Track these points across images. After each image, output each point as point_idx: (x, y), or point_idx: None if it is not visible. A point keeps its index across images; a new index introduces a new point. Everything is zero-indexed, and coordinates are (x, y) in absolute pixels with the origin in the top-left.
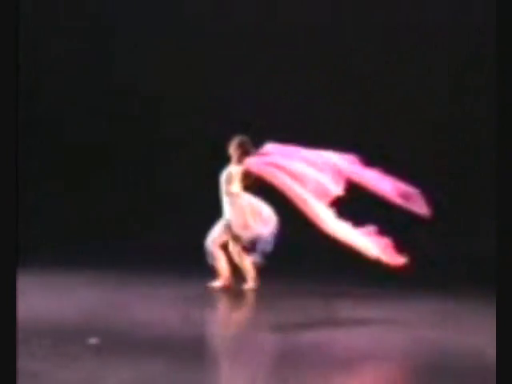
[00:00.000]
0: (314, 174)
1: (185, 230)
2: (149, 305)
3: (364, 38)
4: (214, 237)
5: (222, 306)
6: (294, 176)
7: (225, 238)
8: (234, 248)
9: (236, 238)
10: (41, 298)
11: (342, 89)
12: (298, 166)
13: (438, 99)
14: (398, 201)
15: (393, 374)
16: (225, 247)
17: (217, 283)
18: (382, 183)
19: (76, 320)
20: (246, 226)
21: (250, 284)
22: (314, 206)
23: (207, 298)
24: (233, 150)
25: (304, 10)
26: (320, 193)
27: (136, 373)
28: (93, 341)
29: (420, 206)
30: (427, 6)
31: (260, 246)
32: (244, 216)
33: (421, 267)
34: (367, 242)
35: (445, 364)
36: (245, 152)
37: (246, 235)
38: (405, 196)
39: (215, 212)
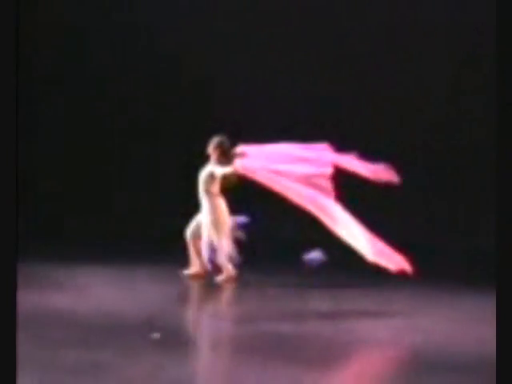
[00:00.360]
0: (304, 169)
1: None
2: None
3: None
4: (192, 230)
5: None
6: (290, 177)
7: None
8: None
9: (213, 233)
10: (105, 292)
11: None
12: (288, 167)
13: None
14: (370, 176)
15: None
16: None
17: (189, 271)
18: (353, 162)
19: (139, 314)
20: (223, 223)
21: (224, 276)
22: (321, 204)
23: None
24: (212, 149)
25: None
26: (318, 185)
27: (194, 368)
28: (155, 335)
29: (389, 176)
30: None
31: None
32: (222, 214)
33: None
34: (367, 243)
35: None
36: (223, 152)
37: (223, 231)
38: (375, 171)
39: None
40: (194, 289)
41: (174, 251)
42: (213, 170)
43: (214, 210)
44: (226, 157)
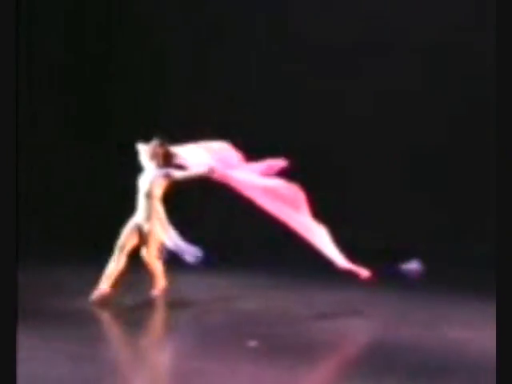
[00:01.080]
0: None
1: None
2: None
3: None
4: (124, 241)
5: None
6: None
7: (135, 241)
8: (147, 251)
9: (151, 241)
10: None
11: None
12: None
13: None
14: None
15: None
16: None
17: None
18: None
19: (236, 322)
20: (166, 230)
21: (158, 290)
22: (292, 212)
23: None
24: (156, 151)
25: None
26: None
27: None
28: (252, 343)
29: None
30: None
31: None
32: (163, 220)
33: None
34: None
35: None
36: (166, 154)
37: (166, 239)
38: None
39: None
40: None
41: None
42: (168, 172)
43: (155, 214)
44: (167, 159)
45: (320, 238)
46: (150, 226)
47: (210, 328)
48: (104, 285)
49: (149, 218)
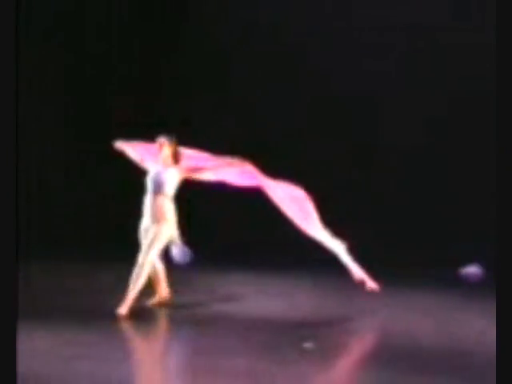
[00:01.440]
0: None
1: None
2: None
3: None
4: (156, 247)
5: None
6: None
7: (160, 245)
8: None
9: (156, 243)
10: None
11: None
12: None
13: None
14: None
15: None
16: None
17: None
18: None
19: (293, 322)
20: (174, 231)
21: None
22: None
23: None
24: (170, 148)
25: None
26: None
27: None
28: (308, 345)
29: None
30: None
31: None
32: (173, 221)
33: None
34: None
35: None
36: (177, 152)
37: (172, 241)
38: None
39: None
40: None
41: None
42: (171, 170)
43: (170, 215)
44: (177, 157)
45: (335, 248)
46: (159, 227)
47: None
48: (160, 292)
49: (158, 218)
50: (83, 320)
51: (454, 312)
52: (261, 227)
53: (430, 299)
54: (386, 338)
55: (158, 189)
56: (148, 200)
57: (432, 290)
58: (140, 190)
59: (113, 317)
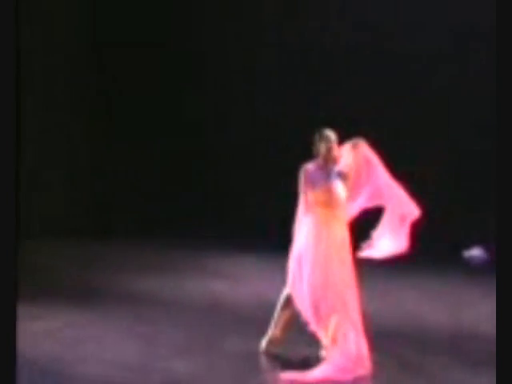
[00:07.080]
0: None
1: None
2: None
3: None
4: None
5: None
6: None
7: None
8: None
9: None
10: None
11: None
12: None
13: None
14: None
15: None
16: None
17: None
18: None
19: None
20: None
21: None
22: None
23: None
24: (328, 144)
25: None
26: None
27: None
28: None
29: None
30: None
31: None
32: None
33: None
34: None
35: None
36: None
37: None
38: None
39: None
40: None
41: None
42: (336, 168)
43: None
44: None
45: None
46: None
47: None
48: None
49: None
50: (83, 302)
51: (458, 294)
52: None
53: (433, 281)
54: (392, 320)
55: (325, 198)
56: (302, 217)
57: (436, 272)
58: None
59: (114, 298)
